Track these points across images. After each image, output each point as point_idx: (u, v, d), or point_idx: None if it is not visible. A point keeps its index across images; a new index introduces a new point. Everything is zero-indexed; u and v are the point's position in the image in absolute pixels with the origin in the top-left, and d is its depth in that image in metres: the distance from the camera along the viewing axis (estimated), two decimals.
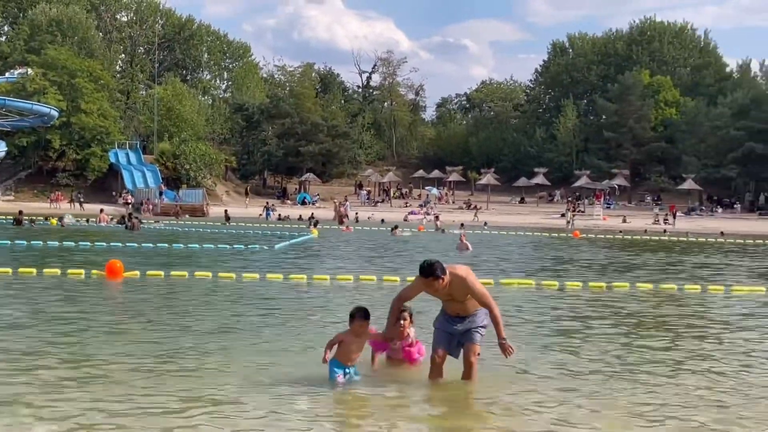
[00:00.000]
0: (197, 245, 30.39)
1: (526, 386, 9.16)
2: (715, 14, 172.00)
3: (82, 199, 69.02)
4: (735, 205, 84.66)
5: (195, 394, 8.39)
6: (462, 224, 53.38)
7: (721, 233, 53.41)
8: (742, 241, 47.30)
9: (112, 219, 48.16)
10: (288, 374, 9.34)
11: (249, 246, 31.00)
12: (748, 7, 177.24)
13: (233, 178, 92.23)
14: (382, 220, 60.36)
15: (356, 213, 65.45)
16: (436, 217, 59.02)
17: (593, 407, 8.37)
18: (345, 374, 8.90)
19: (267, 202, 71.96)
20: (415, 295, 9.10)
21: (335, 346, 8.98)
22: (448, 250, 32.52)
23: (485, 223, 60.02)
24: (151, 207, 64.89)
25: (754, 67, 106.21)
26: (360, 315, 8.97)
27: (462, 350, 8.97)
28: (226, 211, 60.26)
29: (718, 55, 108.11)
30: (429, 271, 8.68)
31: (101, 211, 50.56)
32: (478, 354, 9.01)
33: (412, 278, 9.70)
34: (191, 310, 14.44)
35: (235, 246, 30.76)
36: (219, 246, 30.41)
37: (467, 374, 8.93)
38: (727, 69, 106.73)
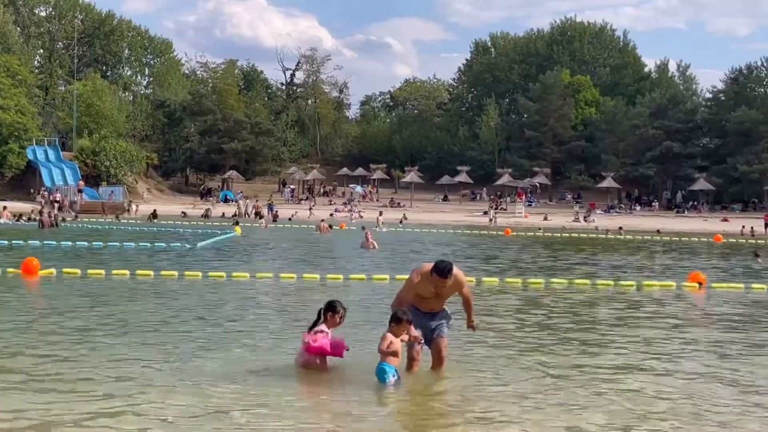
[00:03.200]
0: (117, 243, 30.04)
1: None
2: (632, 15, 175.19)
3: None
4: (653, 203, 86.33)
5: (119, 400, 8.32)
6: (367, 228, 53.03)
7: (658, 231, 54.30)
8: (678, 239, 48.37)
9: (15, 216, 47.29)
10: (208, 370, 9.33)
11: (171, 244, 30.73)
12: (664, 10, 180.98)
13: (155, 176, 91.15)
14: (290, 218, 60.01)
15: (276, 211, 64.81)
16: (380, 213, 59.22)
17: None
18: (394, 376, 8.93)
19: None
20: (414, 295, 9.46)
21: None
22: (357, 247, 32.42)
23: (401, 221, 59.46)
24: (53, 203, 63.11)
25: (672, 67, 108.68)
26: (405, 318, 9.08)
27: (433, 343, 9.55)
28: (154, 210, 59.24)
29: (637, 55, 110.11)
30: (447, 272, 9.21)
31: (4, 208, 49.57)
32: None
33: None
34: (112, 308, 14.30)
35: (157, 244, 30.47)
36: (140, 244, 30.07)
37: (438, 364, 9.58)
38: (646, 69, 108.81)
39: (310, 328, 9.46)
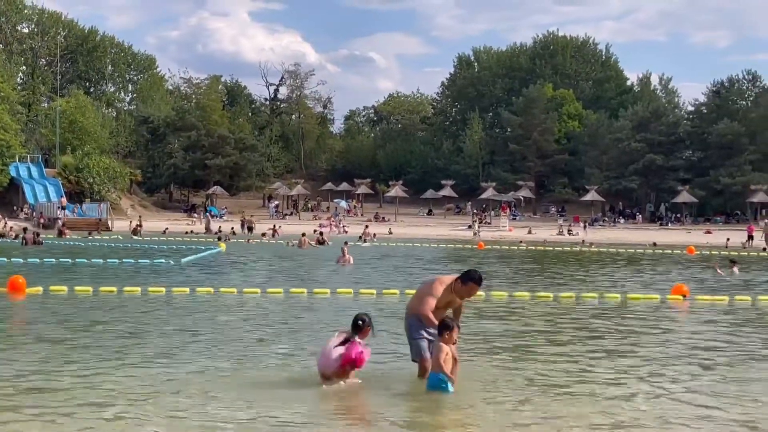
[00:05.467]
0: (101, 260, 29.96)
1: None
2: (613, 29, 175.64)
3: None
4: (636, 216, 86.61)
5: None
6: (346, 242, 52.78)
7: (654, 244, 54.32)
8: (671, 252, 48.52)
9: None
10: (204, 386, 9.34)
11: (155, 261, 30.66)
12: (645, 23, 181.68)
13: (138, 192, 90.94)
14: (263, 233, 59.23)
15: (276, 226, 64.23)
16: (366, 227, 58.83)
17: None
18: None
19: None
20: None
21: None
22: (331, 262, 32.32)
23: (374, 235, 58.24)
24: (55, 220, 62.78)
25: (654, 80, 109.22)
26: (455, 323, 9.49)
27: None
28: (138, 225, 58.70)
29: (619, 69, 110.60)
30: (482, 279, 9.92)
31: None
32: None
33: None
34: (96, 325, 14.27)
35: (141, 261, 30.40)
36: (124, 261, 30.00)
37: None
38: (628, 82, 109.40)
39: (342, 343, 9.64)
